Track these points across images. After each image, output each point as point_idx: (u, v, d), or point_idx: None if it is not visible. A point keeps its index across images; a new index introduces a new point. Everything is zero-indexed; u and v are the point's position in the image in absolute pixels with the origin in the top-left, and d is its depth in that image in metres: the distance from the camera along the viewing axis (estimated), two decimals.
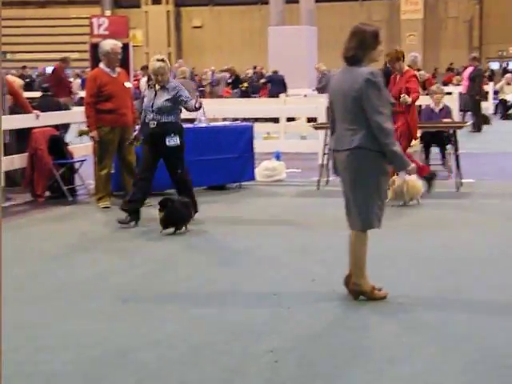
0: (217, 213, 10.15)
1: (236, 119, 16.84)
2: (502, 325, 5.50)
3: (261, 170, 13.05)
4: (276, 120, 17.96)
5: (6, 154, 10.94)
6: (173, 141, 9.01)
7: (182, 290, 6.54)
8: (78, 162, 11.72)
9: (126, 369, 4.76)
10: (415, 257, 7.43)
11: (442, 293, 6.26)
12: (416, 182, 10.40)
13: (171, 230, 8.69)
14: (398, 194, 10.29)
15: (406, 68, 11.24)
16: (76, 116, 13.19)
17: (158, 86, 9.16)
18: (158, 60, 9.16)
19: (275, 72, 26.27)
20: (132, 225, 9.13)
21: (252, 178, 12.42)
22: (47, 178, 11.21)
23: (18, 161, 11.26)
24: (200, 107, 9.30)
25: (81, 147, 12.67)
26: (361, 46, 5.84)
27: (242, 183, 12.31)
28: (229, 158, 11.86)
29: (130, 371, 4.72)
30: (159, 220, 8.64)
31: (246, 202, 11.03)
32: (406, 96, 10.69)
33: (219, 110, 15.46)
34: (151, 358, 4.94)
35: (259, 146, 13.23)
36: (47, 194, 11.39)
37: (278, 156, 13.40)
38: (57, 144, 11.48)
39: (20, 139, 11.50)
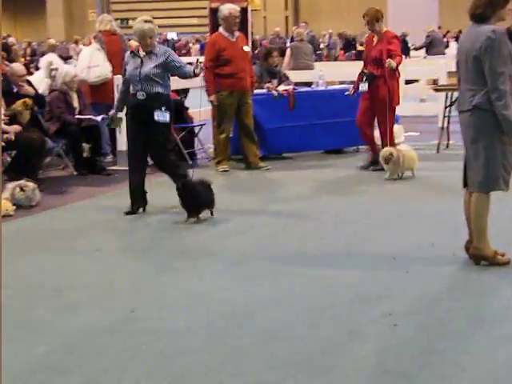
0: (333, 176, 10.13)
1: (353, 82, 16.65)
2: None
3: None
4: None
5: None
6: (162, 116, 7.82)
7: (300, 252, 6.58)
8: (198, 126, 11.90)
9: (246, 328, 4.85)
10: None
11: None
12: (412, 152, 9.73)
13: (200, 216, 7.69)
14: (394, 166, 9.47)
15: (385, 29, 10.26)
16: (196, 81, 13.35)
17: (142, 52, 7.98)
18: (146, 21, 8.07)
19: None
20: (141, 211, 8.08)
21: None
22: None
23: None
24: (200, 73, 8.21)
25: (200, 111, 12.85)
26: (490, 3, 5.68)
27: (360, 147, 12.21)
28: (346, 122, 11.76)
29: (247, 331, 4.81)
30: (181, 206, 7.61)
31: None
32: (391, 60, 9.70)
33: (336, 73, 15.32)
34: (268, 318, 5.02)
35: None
36: None
37: (397, 119, 13.19)
38: (177, 108, 11.68)
39: None
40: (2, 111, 9.58)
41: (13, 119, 9.66)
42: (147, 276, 5.98)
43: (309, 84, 12.79)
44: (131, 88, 7.97)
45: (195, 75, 8.05)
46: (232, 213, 8.07)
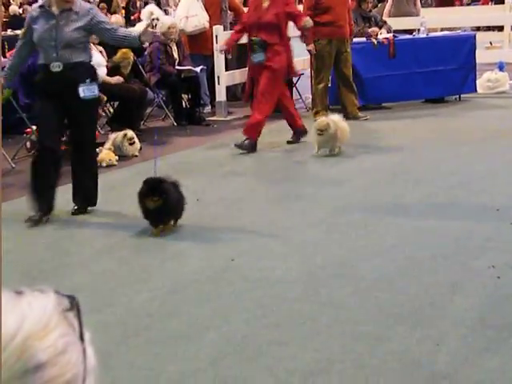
0: (433, 127, 9.92)
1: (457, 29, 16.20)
2: None
3: (482, 81, 12.55)
4: (500, 28, 17.07)
5: (227, 70, 11.28)
6: (89, 91, 6.09)
7: (400, 204, 6.50)
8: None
9: (342, 279, 4.84)
10: None
11: None
12: (344, 123, 8.52)
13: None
14: (328, 140, 8.27)
15: None
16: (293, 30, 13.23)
17: (56, 9, 6.09)
18: None
19: None
20: (44, 220, 6.19)
21: (473, 89, 11.97)
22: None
23: (239, 75, 11.56)
24: (148, 41, 6.79)
25: (298, 61, 12.75)
26: None
27: (462, 95, 11.91)
28: (448, 70, 11.49)
29: (346, 281, 4.79)
30: (150, 213, 5.76)
31: (465, 115, 10.68)
32: (308, 18, 8.92)
33: (438, 20, 14.90)
34: (368, 269, 4.99)
35: (481, 56, 12.67)
36: None
37: (501, 66, 12.80)
38: None
39: (240, 54, 11.77)
40: (105, 63, 9.75)
41: (115, 71, 9.83)
42: (246, 227, 6.03)
43: (410, 31, 12.50)
44: (41, 57, 6.12)
45: (141, 44, 6.46)
46: (328, 163, 8.02)
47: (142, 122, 10.32)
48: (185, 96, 11.12)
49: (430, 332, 4.00)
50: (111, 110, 10.46)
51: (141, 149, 8.84)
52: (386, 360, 3.71)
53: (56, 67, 5.99)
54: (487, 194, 6.59)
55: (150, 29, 6.13)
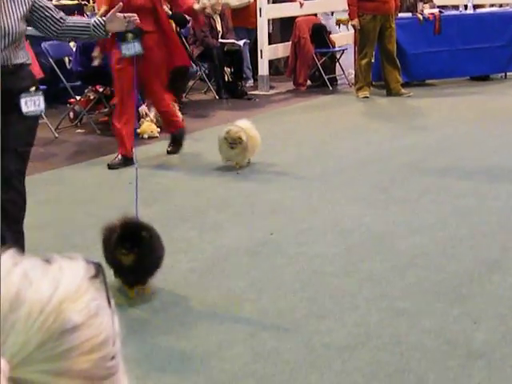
0: (478, 104, 9.80)
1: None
2: None
3: None
4: None
5: (270, 43, 11.24)
6: (33, 104, 4.30)
7: (441, 181, 6.45)
8: (340, 50, 11.75)
9: (381, 254, 4.83)
10: None
11: None
12: (255, 131, 7.10)
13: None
14: (239, 154, 6.89)
15: None
16: (338, 4, 13.16)
17: None
18: None
19: None
20: None
21: None
22: (309, 67, 11.39)
23: (282, 50, 11.53)
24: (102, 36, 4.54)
25: (342, 36, 12.66)
26: None
27: (508, 73, 11.73)
28: (495, 47, 11.31)
29: (385, 257, 4.79)
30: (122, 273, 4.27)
31: (511, 94, 10.52)
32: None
33: None
34: (407, 246, 4.97)
35: None
36: (308, 82, 11.60)
37: None
38: (319, 32, 11.56)
39: (284, 28, 11.73)
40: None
41: None
42: (286, 200, 6.03)
43: (456, 7, 12.34)
44: None
45: (106, 35, 4.55)
46: (369, 139, 7.98)
47: (184, 95, 10.35)
48: (227, 69, 11.12)
49: (468, 310, 3.98)
50: None
51: (182, 121, 8.86)
52: (422, 337, 3.71)
53: None
54: None
55: (118, 13, 4.41)
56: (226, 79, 11.03)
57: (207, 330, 3.85)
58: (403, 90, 10.56)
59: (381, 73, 10.70)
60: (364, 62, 10.46)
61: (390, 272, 4.56)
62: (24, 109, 4.24)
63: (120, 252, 4.06)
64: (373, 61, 10.57)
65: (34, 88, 4.30)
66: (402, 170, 6.78)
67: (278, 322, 3.94)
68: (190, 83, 10.82)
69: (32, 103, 4.28)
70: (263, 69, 11.15)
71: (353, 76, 11.23)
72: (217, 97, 10.78)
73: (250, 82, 11.63)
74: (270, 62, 11.41)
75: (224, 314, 4.05)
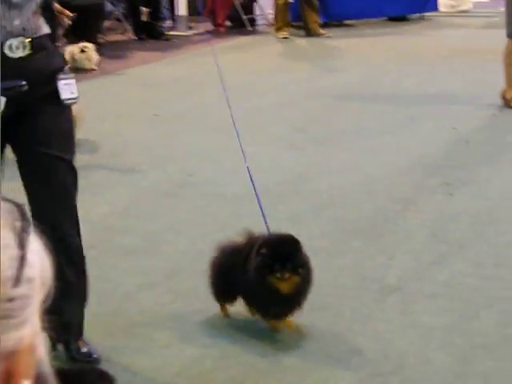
0: (396, 45, 9.88)
1: None
2: None
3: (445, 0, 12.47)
4: None
5: None
6: (69, 89, 3.05)
7: (358, 122, 6.51)
8: None
9: (299, 195, 4.88)
10: None
11: None
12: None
13: None
14: None
15: None
16: None
17: None
18: None
19: None
20: None
21: (435, 8, 11.90)
22: (228, 7, 11.26)
23: None
24: None
25: None
26: None
27: (425, 14, 11.84)
28: None
29: (302, 197, 4.83)
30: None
31: (428, 34, 10.63)
32: None
33: None
34: (325, 186, 5.03)
35: None
36: (227, 23, 11.48)
37: None
38: None
39: None
40: None
41: None
42: (204, 142, 6.01)
43: None
44: None
45: None
46: (289, 80, 7.98)
47: (100, 35, 10.11)
48: (144, 9, 10.89)
49: (383, 247, 4.07)
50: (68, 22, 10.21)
51: (99, 63, 8.69)
52: (338, 274, 3.78)
53: (15, 49, 2.85)
54: (444, 112, 6.63)
55: None
56: (143, 19, 10.81)
57: (126, 272, 3.84)
58: (322, 31, 10.55)
59: (300, 13, 10.66)
60: (282, 2, 10.39)
61: (307, 212, 4.61)
62: (63, 95, 3.02)
63: (275, 277, 3.12)
64: (291, 1, 10.50)
65: (66, 67, 3.12)
66: (321, 111, 6.81)
67: (196, 262, 3.95)
68: (106, 23, 10.58)
69: (68, 87, 3.07)
70: (181, 9, 10.97)
71: (272, 16, 11.15)
72: (134, 37, 10.58)
73: (168, 22, 11.44)
74: (189, 2, 11.22)
75: (143, 255, 4.04)
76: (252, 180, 3.66)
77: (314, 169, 5.35)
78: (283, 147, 5.83)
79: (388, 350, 3.07)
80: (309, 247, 4.07)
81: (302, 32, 10.59)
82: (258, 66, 8.78)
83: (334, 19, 11.37)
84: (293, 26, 10.76)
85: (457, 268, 3.79)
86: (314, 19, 10.57)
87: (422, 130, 6.19)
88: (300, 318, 3.30)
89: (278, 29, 10.49)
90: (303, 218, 4.51)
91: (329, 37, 10.47)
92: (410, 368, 2.93)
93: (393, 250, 4.04)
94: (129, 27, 10.70)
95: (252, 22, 11.48)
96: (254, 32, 11.14)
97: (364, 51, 9.50)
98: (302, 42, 10.28)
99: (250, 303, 3.26)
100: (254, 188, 3.60)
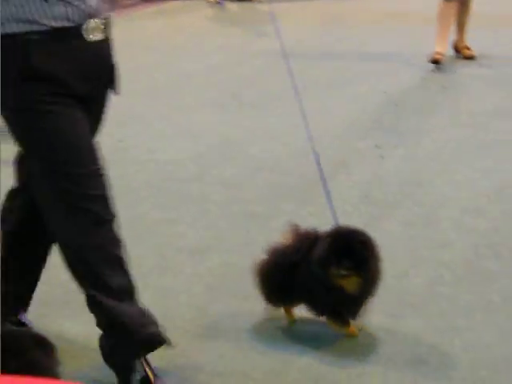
0: (329, 9, 9.90)
1: None
2: None
3: None
4: None
5: None
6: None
7: (285, 89, 6.51)
8: None
9: (233, 159, 4.89)
10: None
11: None
12: None
13: None
14: None
15: None
16: None
17: None
18: None
19: None
20: None
21: None
22: None
23: None
24: None
25: None
26: None
27: None
28: None
29: (236, 162, 4.84)
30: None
31: None
32: None
33: None
34: (259, 150, 5.05)
35: None
36: None
37: None
38: None
39: None
40: None
41: None
42: (135, 107, 5.95)
43: None
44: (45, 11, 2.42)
45: None
46: (220, 45, 7.93)
47: None
48: None
49: (315, 209, 4.10)
50: None
51: None
52: (271, 236, 3.79)
53: (93, 31, 2.55)
54: (376, 76, 6.69)
55: None
56: None
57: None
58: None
59: None
60: None
61: (241, 176, 4.63)
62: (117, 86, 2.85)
63: (339, 274, 2.83)
64: None
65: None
66: (254, 75, 6.81)
67: (129, 229, 3.90)
68: None
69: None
70: None
71: None
72: None
73: None
74: None
75: None
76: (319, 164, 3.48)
77: (247, 133, 5.36)
78: (216, 112, 5.82)
79: None
80: (242, 211, 4.12)
81: None
82: (189, 31, 8.71)
83: None
84: None
85: (387, 228, 3.86)
86: None
87: (354, 93, 6.24)
88: (232, 280, 3.32)
89: None
90: (237, 182, 4.52)
91: (260, 1, 10.43)
92: None
93: (325, 211, 4.07)
94: None
95: None
96: None
97: (296, 15, 9.48)
98: (234, 7, 10.21)
99: (312, 304, 2.98)
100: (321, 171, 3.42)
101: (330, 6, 10.05)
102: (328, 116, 5.67)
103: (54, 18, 2.41)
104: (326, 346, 2.93)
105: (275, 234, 3.79)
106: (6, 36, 2.37)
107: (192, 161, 4.87)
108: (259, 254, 3.30)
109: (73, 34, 2.47)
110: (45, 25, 2.39)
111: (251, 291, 3.09)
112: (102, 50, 2.64)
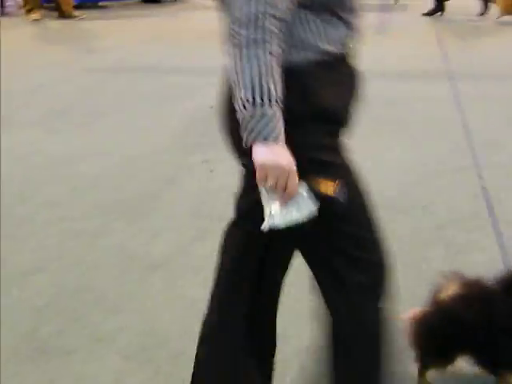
0: (153, 26, 9.93)
1: None
2: None
3: None
4: None
5: None
6: None
7: (115, 105, 6.48)
8: None
9: (61, 178, 4.79)
10: None
11: None
12: None
13: None
14: None
15: None
16: None
17: None
18: None
19: None
20: None
21: None
22: None
23: None
24: None
25: None
26: None
27: None
28: None
29: (65, 180, 4.75)
30: None
31: (183, 16, 10.79)
32: None
33: None
34: (88, 168, 4.97)
35: None
36: None
37: None
38: None
39: None
40: None
41: None
42: None
43: None
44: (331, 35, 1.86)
45: None
46: (42, 63, 7.76)
47: None
48: None
49: (147, 226, 4.10)
50: None
51: None
52: (103, 255, 3.76)
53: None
54: (203, 90, 6.76)
55: None
56: None
57: None
58: (76, 13, 10.36)
59: None
60: None
61: (70, 195, 4.53)
62: None
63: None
64: None
65: None
66: (79, 93, 6.71)
67: None
68: None
69: None
70: None
71: None
72: None
73: None
74: None
75: None
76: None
77: (74, 152, 5.26)
78: (42, 131, 5.68)
79: (155, 325, 3.11)
80: (71, 230, 4.04)
81: (54, 14, 10.33)
82: (11, 50, 8.45)
83: (89, 1, 11.22)
84: (45, 8, 10.48)
85: (218, 241, 3.89)
86: (67, 1, 10.36)
87: (181, 108, 6.28)
88: (61, 301, 3.25)
89: (29, 11, 10.16)
90: (64, 201, 4.43)
91: (83, 18, 10.32)
92: (175, 340, 2.99)
93: (157, 228, 4.08)
94: None
95: (1, 3, 11.04)
96: (2, 14, 10.70)
97: (121, 33, 9.45)
98: (56, 25, 10.03)
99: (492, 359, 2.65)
100: None
101: (155, 24, 10.09)
102: (156, 132, 5.68)
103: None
104: None
105: (106, 252, 3.77)
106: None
107: (17, 181, 4.73)
108: (89, 273, 3.25)
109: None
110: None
111: (83, 311, 3.03)
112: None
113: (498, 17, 9.84)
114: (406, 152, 5.15)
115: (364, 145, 5.24)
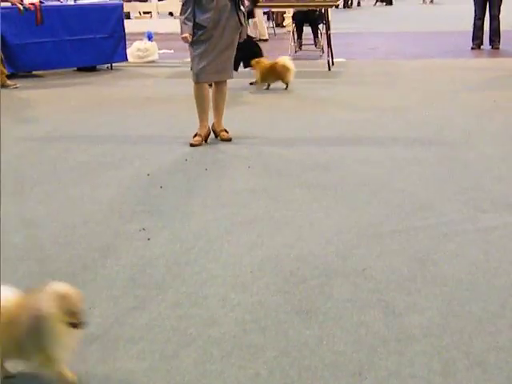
0: (89, 94, 9.92)
1: None
2: None
3: (133, 50, 12.81)
4: None
5: None
6: None
7: (52, 174, 6.40)
8: None
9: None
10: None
11: None
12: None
13: None
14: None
15: None
16: None
17: None
18: None
19: None
20: None
21: (124, 58, 12.16)
22: None
23: None
24: None
25: None
26: None
27: (114, 64, 12.05)
28: (98, 38, 11.55)
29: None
30: None
31: (117, 84, 10.83)
32: None
33: None
34: (20, 239, 4.87)
35: (130, 25, 12.93)
36: None
37: (150, 36, 13.14)
38: None
39: None
40: None
41: None
42: None
43: None
44: None
45: None
46: None
47: None
48: None
49: (86, 294, 4.00)
50: None
51: None
52: None
53: None
54: (140, 159, 6.74)
55: None
56: None
57: None
58: (9, 82, 10.31)
59: None
60: None
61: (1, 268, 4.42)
62: None
63: None
64: None
65: None
66: (13, 162, 6.61)
67: None
68: None
69: None
70: None
71: None
72: None
73: None
74: None
75: None
76: None
77: (5, 221, 5.16)
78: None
79: None
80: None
81: None
82: None
83: (22, 70, 11.17)
84: None
85: (156, 310, 3.83)
86: (0, 70, 10.30)
87: (119, 176, 6.24)
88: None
89: None
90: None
91: (17, 87, 10.26)
92: None
93: (94, 298, 3.99)
94: None
95: None
96: None
97: (55, 101, 9.41)
98: None
99: None
100: None
101: (89, 92, 10.08)
102: (93, 201, 5.61)
103: None
104: None
105: None
106: None
107: None
108: None
109: None
110: None
111: None
112: None
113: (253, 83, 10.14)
114: (344, 216, 5.19)
115: (302, 210, 5.26)
